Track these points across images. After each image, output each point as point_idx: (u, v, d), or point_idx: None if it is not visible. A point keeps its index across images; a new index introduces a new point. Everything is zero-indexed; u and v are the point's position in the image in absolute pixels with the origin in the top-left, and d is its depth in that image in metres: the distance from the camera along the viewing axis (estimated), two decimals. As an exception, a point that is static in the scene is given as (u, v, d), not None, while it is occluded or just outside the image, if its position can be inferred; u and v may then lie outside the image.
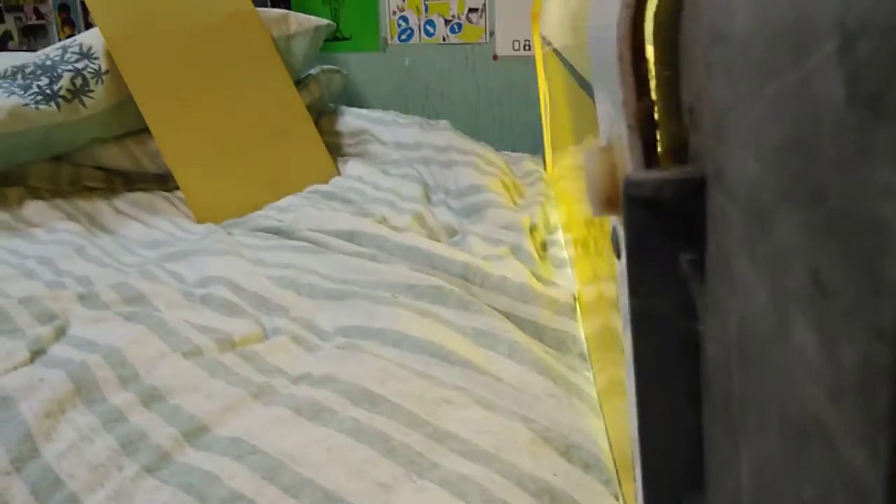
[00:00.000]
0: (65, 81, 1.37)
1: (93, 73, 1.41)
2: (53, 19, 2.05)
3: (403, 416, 0.65)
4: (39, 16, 2.05)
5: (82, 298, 0.92)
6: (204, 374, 0.74)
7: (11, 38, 2.02)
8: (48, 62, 1.40)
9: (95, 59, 1.43)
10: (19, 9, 2.00)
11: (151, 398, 0.70)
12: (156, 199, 1.46)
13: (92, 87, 1.40)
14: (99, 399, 0.70)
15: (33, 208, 1.31)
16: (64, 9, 2.08)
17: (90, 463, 0.62)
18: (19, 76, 1.37)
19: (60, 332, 0.84)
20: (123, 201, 1.43)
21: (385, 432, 0.63)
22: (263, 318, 0.90)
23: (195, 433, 0.65)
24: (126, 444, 0.64)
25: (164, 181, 1.55)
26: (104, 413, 0.68)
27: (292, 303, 0.94)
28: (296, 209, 1.32)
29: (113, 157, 1.50)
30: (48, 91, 1.34)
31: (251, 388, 0.71)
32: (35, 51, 1.57)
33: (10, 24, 2.01)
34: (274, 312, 0.92)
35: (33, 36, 2.06)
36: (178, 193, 1.48)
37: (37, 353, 0.79)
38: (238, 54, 1.57)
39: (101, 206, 1.39)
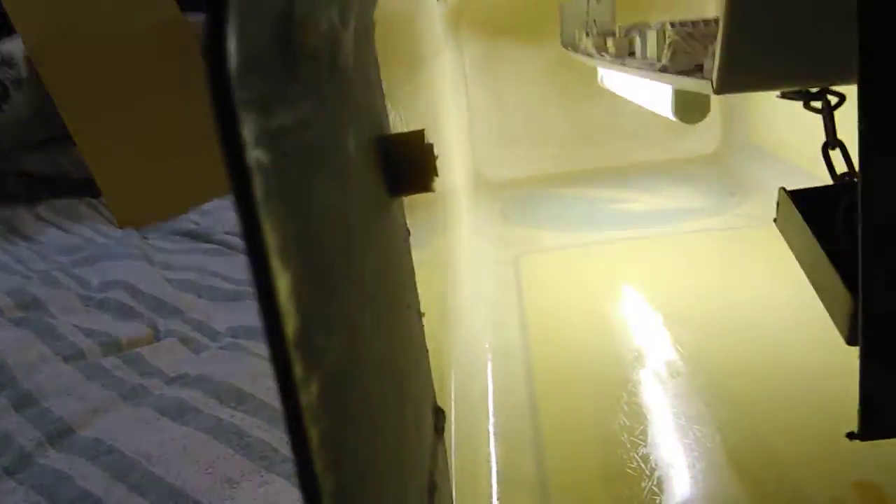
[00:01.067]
0: (-19, 89, 1.36)
1: (12, 80, 1.40)
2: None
3: (266, 414, 0.67)
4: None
5: (-25, 305, 0.92)
6: (81, 378, 0.75)
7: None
8: (-36, 69, 1.39)
9: (15, 65, 1.42)
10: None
11: (23, 402, 0.71)
12: (80, 205, 1.45)
13: (11, 94, 1.39)
14: (-30, 404, 0.71)
15: (-51, 216, 1.31)
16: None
17: (-50, 467, 0.63)
18: (-66, 84, 1.36)
19: (-53, 339, 0.84)
20: (46, 208, 1.43)
21: (243, 429, 0.65)
22: (158, 321, 0.91)
23: (59, 435, 0.66)
24: (-11, 447, 0.65)
25: (90, 188, 1.55)
26: (-28, 418, 0.68)
27: (189, 305, 0.95)
28: (216, 212, 1.33)
29: (36, 163, 1.50)
30: (-36, 98, 1.33)
31: (123, 391, 0.72)
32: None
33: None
34: (170, 315, 0.93)
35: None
36: (104, 198, 1.48)
37: (-83, 361, 0.79)
38: (163, 60, 1.57)
39: (20, 214, 1.39)
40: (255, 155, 0.15)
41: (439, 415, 0.40)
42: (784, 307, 0.94)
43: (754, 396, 0.79)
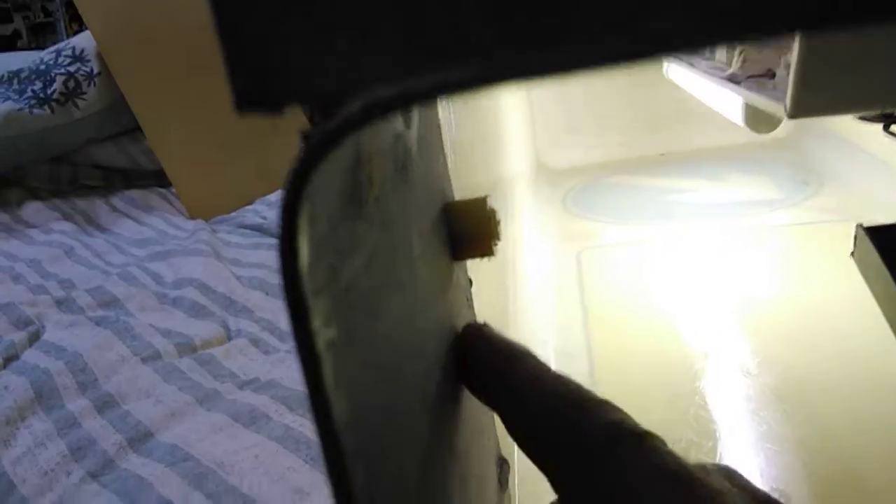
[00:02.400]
0: (58, 85, 1.42)
1: (84, 75, 1.45)
2: (61, 16, 2.10)
3: (332, 423, 0.69)
4: (47, 13, 2.10)
5: (59, 303, 0.98)
6: (158, 379, 0.79)
7: (20, 36, 2.09)
8: (42, 66, 1.45)
9: (88, 61, 1.47)
10: (27, 7, 2.06)
11: (105, 404, 0.75)
12: (151, 195, 1.51)
13: (84, 90, 1.44)
14: (57, 405, 0.75)
15: (32, 209, 1.38)
16: (72, 6, 2.12)
17: (41, 468, 0.67)
18: (15, 81, 1.42)
19: (34, 338, 0.89)
20: (120, 199, 1.49)
21: (312, 439, 0.67)
22: (229, 320, 0.95)
23: (140, 439, 0.70)
24: (75, 449, 0.69)
25: (161, 178, 1.60)
26: (59, 419, 0.73)
27: (258, 304, 0.98)
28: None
29: (109, 155, 1.56)
30: (42, 95, 1.39)
31: (198, 394, 0.76)
32: (44, 48, 1.63)
33: (18, 22, 2.07)
34: (240, 314, 0.96)
35: (41, 33, 2.12)
36: (175, 189, 1.53)
37: (9, 360, 0.84)
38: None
39: (97, 205, 1.45)
40: (325, 336, 0.16)
41: (503, 466, 0.40)
42: (863, 312, 0.91)
43: (836, 412, 0.75)
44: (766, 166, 1.45)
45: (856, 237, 0.48)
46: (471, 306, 0.39)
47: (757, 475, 0.70)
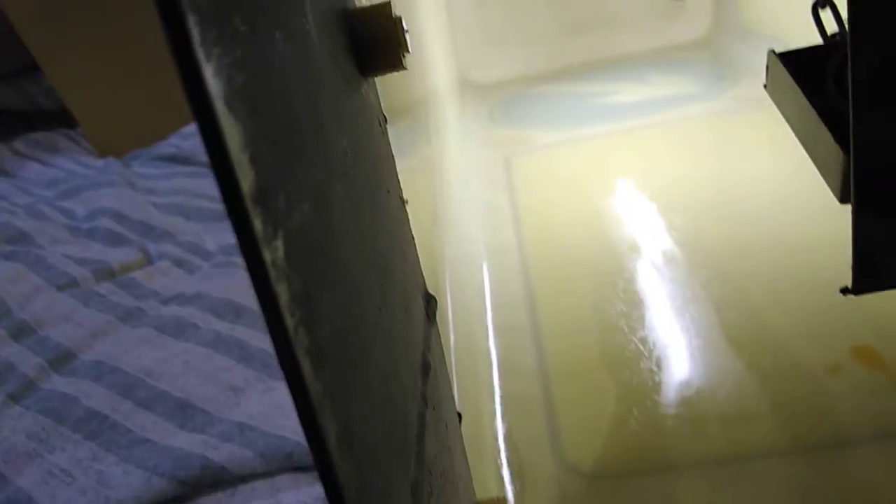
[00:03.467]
0: (-62, 22, 1.31)
1: (-31, 11, 1.34)
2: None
3: (264, 325, 0.67)
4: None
5: (-37, 243, 0.91)
6: (77, 304, 0.75)
7: None
8: (-82, 3, 1.33)
9: (-30, -5, 1.36)
10: None
11: (21, 331, 0.71)
12: (57, 137, 1.42)
13: (-30, 27, 1.34)
14: (-31, 337, 0.71)
15: (-74, 158, 1.28)
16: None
17: (-44, 399, 0.63)
18: None
19: (-62, 278, 0.83)
20: (23, 143, 1.40)
21: (244, 340, 0.65)
22: (149, 245, 0.91)
23: (61, 360, 0.66)
24: (-8, 377, 0.65)
25: (66, 118, 1.51)
26: (-28, 350, 0.69)
27: (179, 228, 0.94)
28: (197, 134, 1.30)
29: (7, 97, 1.46)
30: (-79, 34, 1.28)
31: (120, 314, 0.72)
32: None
33: None
34: (161, 239, 0.92)
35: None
36: (81, 129, 1.44)
37: (-90, 301, 0.79)
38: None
39: (-1, 151, 1.36)
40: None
41: (431, 301, 0.39)
42: (777, 185, 0.93)
43: (750, 275, 0.79)
44: (687, 66, 1.46)
45: (767, 66, 0.49)
46: (386, 138, 0.38)
47: (681, 333, 0.72)
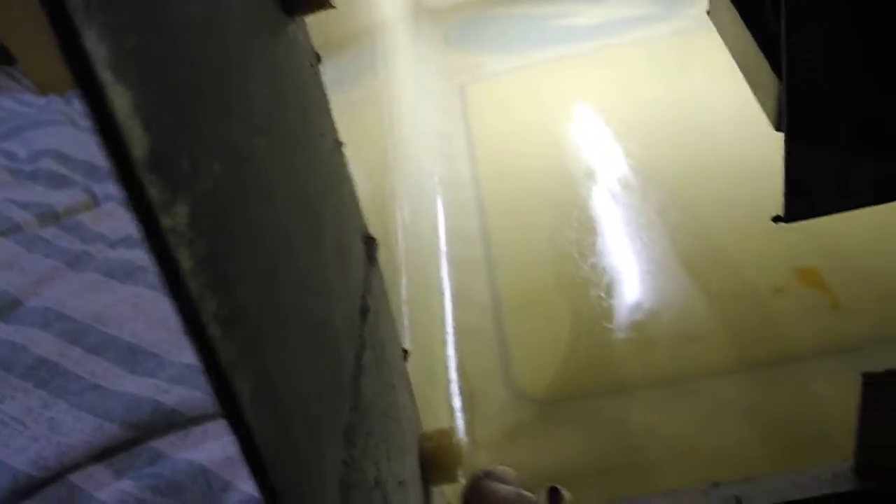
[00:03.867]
0: None
1: None
2: None
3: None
4: None
5: None
6: (20, 250, 0.73)
7: None
8: None
9: None
10: None
11: (-36, 280, 0.70)
12: (-6, 74, 1.36)
13: None
14: None
15: None
16: None
17: None
18: None
19: None
20: (-43, 81, 1.33)
21: (194, 283, 0.64)
22: (94, 187, 0.88)
23: (6, 308, 0.65)
24: (-64, 327, 0.64)
25: (3, 55, 1.44)
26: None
27: (126, 167, 0.92)
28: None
29: (-65, 32, 1.38)
30: None
31: (67, 258, 0.71)
32: None
33: None
34: (106, 179, 0.90)
35: None
36: (20, 66, 1.38)
37: None
38: None
39: (-69, 89, 1.30)
40: None
41: (371, 244, 0.39)
42: (736, 110, 0.93)
43: (704, 200, 0.80)
44: (643, -15, 1.44)
45: (710, -7, 0.48)
46: (318, 79, 0.36)
47: (635, 259, 0.73)
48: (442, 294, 0.72)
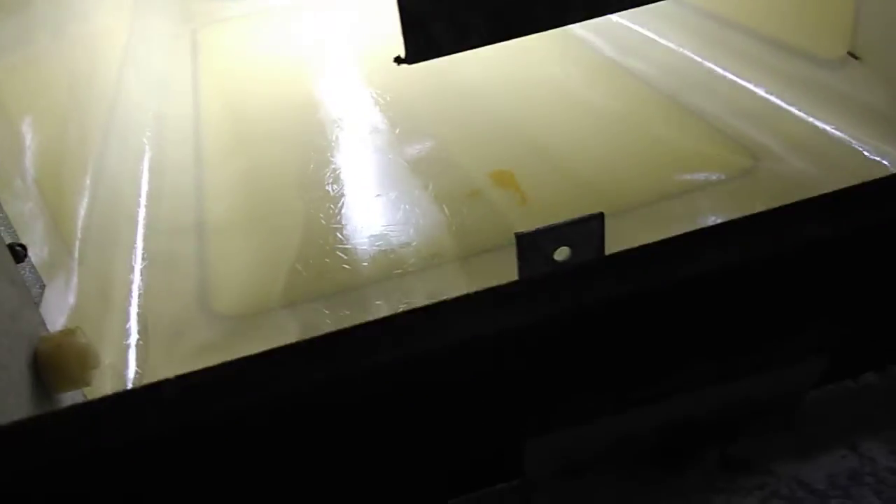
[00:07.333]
0: None
1: None
2: None
3: None
4: None
5: None
6: None
7: None
8: None
9: None
10: None
11: None
12: None
13: None
14: None
15: None
16: None
17: None
18: None
19: None
20: None
21: None
22: None
23: None
24: None
25: None
26: None
27: None
28: None
29: None
30: None
31: None
32: None
33: None
34: None
35: None
36: None
37: None
38: None
39: None
40: None
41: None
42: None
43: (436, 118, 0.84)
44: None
45: None
46: None
47: (355, 187, 0.74)
48: (135, 220, 0.68)
